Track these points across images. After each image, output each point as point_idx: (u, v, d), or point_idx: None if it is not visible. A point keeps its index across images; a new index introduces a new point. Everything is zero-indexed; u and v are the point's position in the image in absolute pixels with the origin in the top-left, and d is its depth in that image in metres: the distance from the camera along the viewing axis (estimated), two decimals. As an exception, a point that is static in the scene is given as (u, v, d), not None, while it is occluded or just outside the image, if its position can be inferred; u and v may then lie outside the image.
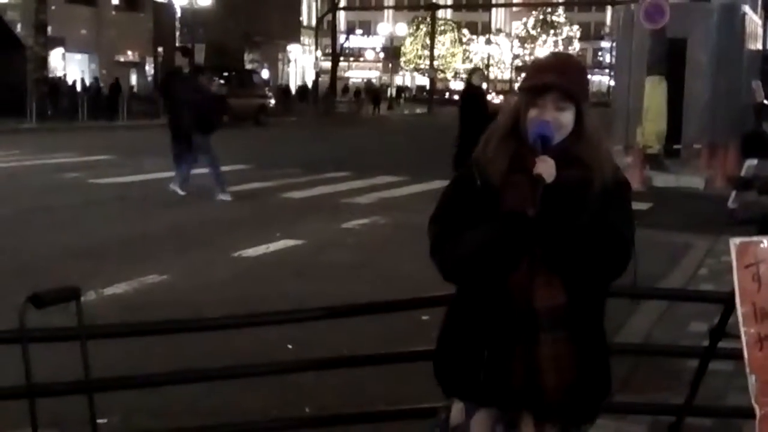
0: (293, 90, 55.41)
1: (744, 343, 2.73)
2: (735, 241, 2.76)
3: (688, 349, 4.55)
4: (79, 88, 35.80)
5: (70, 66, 39.48)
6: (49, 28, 32.64)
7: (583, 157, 2.50)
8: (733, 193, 9.44)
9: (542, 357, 2.46)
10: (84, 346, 2.94)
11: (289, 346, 5.68)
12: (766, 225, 5.54)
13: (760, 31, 25.91)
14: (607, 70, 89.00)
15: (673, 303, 6.37)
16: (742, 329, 2.75)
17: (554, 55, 2.77)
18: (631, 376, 5.06)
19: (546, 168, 2.40)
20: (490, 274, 2.47)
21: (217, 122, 14.20)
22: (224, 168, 16.89)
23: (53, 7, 33.55)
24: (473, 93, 14.53)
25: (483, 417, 2.53)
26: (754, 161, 8.32)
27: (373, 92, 58.09)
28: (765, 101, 7.66)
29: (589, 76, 2.70)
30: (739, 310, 2.74)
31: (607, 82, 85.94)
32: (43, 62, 32.59)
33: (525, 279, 2.46)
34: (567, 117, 2.50)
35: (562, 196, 2.43)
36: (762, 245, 2.78)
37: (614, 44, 34.01)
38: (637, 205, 10.81)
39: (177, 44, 44.23)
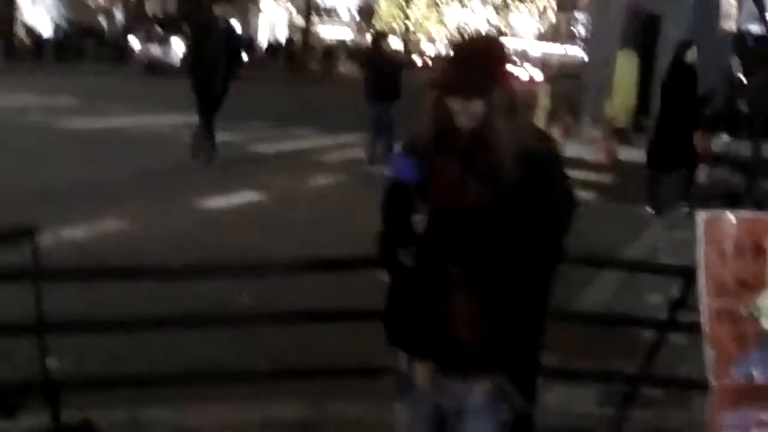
0: (264, 44, 54.79)
1: (704, 317, 2.74)
2: (702, 216, 2.75)
3: (644, 320, 4.57)
4: (48, 32, 35.16)
5: (38, 7, 38.69)
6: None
7: (492, 142, 2.54)
8: (704, 169, 9.52)
9: (457, 313, 2.59)
10: (38, 287, 2.88)
11: (247, 299, 5.63)
12: (732, 200, 5.57)
13: (734, 11, 25.98)
14: (581, 43, 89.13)
15: (631, 274, 6.40)
16: (704, 303, 2.75)
17: (460, 48, 2.74)
18: (587, 343, 5.07)
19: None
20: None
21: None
22: (191, 118, 16.73)
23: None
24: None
25: (421, 366, 2.68)
26: (726, 137, 8.37)
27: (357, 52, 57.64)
28: (741, 77, 7.70)
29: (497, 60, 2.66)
30: (702, 283, 2.74)
31: (580, 55, 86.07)
32: (12, 2, 31.92)
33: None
34: (476, 106, 2.54)
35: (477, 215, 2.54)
36: (729, 220, 2.77)
37: (589, 17, 33.98)
38: (602, 178, 10.88)
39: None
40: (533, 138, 2.63)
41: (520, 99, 2.69)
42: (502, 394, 2.66)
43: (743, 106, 6.72)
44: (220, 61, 11.99)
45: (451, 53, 2.68)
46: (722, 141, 8.59)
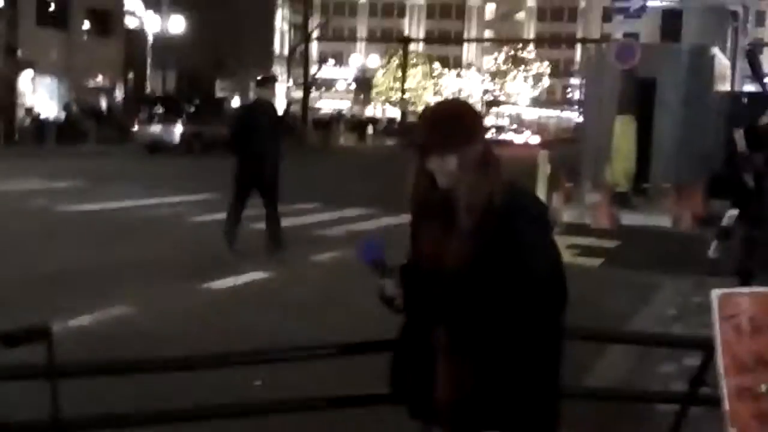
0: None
1: (724, 395, 2.72)
2: (717, 293, 2.76)
3: (664, 395, 4.53)
4: (49, 113, 35.53)
5: (39, 90, 39.19)
6: (19, 51, 32.44)
7: (460, 197, 2.64)
8: (714, 243, 9.50)
9: (440, 375, 2.71)
10: (54, 385, 2.87)
11: (258, 383, 5.60)
12: (746, 276, 5.56)
13: (728, 72, 26.31)
14: (576, 107, 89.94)
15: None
16: (723, 381, 2.74)
17: (427, 111, 2.85)
18: (603, 420, 5.03)
19: (389, 289, 2.75)
20: None
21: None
22: (194, 197, 16.81)
23: (23, 30, 33.35)
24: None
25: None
26: (735, 211, 8.34)
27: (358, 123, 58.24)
28: (746, 151, 7.68)
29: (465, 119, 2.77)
30: (720, 361, 2.73)
31: (575, 119, 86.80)
32: (12, 85, 32.34)
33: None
34: (450, 163, 2.65)
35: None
36: (744, 297, 2.78)
37: (584, 81, 34.40)
38: (605, 244, 10.88)
39: (148, 71, 44.15)
40: (509, 194, 2.66)
41: (499, 159, 2.74)
42: None
43: (749, 180, 6.75)
44: (271, 145, 11.24)
45: (424, 116, 2.80)
46: (730, 214, 8.58)
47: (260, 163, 11.10)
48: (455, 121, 2.69)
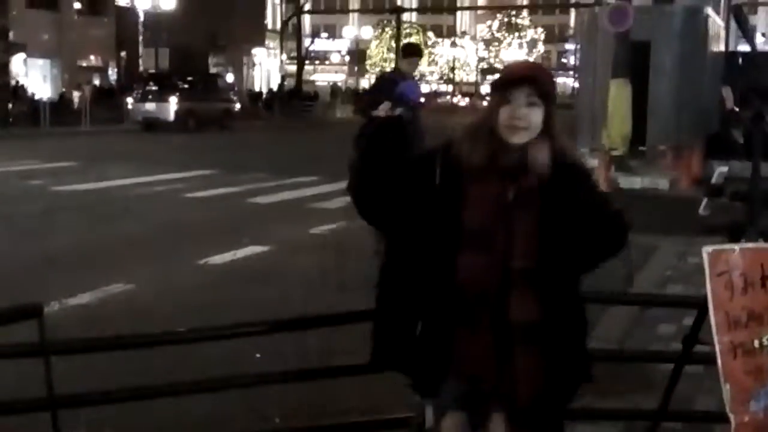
0: (262, 93, 55.07)
1: (718, 352, 2.72)
2: (707, 250, 2.75)
3: (660, 355, 4.54)
4: (42, 95, 35.38)
5: (32, 71, 39.02)
6: (11, 34, 32.26)
7: (551, 154, 2.60)
8: (705, 200, 9.48)
9: (517, 368, 2.57)
10: (47, 363, 2.87)
11: (257, 355, 5.61)
12: (736, 232, 5.55)
13: (722, 33, 26.18)
14: (571, 73, 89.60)
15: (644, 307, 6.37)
16: (716, 338, 2.73)
17: (526, 61, 2.95)
18: (602, 380, 5.03)
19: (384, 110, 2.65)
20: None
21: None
22: (190, 173, 16.79)
23: (14, 12, 33.17)
24: None
25: (453, 419, 2.62)
26: (725, 168, 8.32)
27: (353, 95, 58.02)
28: (735, 108, 7.64)
29: (553, 79, 2.80)
30: (713, 318, 2.73)
31: (571, 85, 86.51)
32: (5, 68, 32.19)
33: (499, 290, 2.55)
34: (537, 115, 2.58)
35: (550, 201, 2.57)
36: (734, 253, 2.77)
37: (578, 47, 34.22)
38: None
39: (140, 48, 43.93)
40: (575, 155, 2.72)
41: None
42: None
43: (738, 137, 6.72)
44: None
45: (513, 65, 2.81)
46: (720, 171, 8.56)
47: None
48: (552, 78, 2.72)
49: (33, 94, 35.84)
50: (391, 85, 8.88)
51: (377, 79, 10.03)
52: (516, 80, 2.59)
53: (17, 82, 36.06)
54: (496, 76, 2.79)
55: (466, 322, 2.56)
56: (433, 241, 2.58)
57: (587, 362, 2.76)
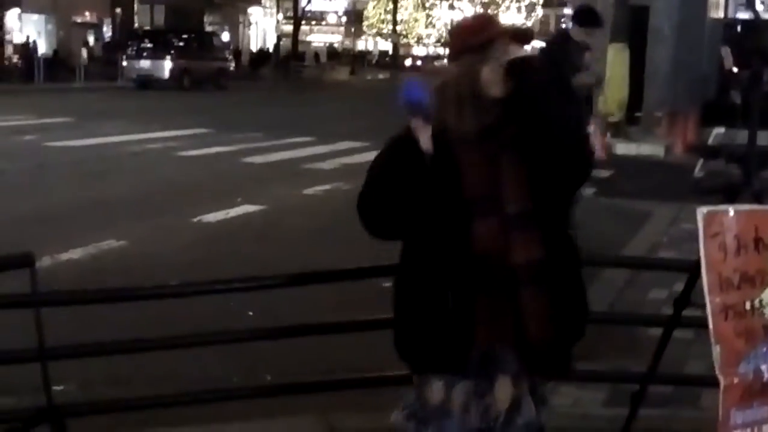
0: (254, 51, 54.75)
1: (709, 313, 2.72)
2: (702, 210, 2.73)
3: (650, 318, 4.55)
4: (39, 50, 35.13)
5: (26, 27, 38.69)
6: (5, -12, 32.00)
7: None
8: (700, 162, 9.46)
9: (527, 311, 2.52)
10: (38, 313, 2.86)
11: (250, 313, 5.62)
12: (731, 194, 5.55)
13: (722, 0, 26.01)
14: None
15: (634, 270, 6.38)
16: (707, 299, 2.73)
17: (481, 15, 2.95)
18: (592, 343, 5.05)
19: (424, 141, 2.45)
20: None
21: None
22: (184, 132, 16.72)
23: (8, -34, 32.85)
24: None
25: (464, 388, 2.55)
26: (721, 129, 8.29)
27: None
28: (734, 68, 7.61)
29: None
30: (705, 279, 2.71)
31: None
32: (0, 24, 31.93)
33: (500, 237, 2.51)
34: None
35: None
36: (728, 214, 2.75)
37: (577, 11, 33.88)
38: (598, 173, 10.71)
39: (135, 5, 43.57)
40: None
41: None
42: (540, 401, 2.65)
43: (736, 98, 6.69)
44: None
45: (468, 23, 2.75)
46: (717, 133, 8.54)
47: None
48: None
49: (35, 49, 35.54)
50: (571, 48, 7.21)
51: (550, 44, 7.83)
52: (497, 35, 2.55)
53: (29, 38, 35.73)
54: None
55: (488, 289, 2.51)
56: (443, 223, 2.51)
57: (586, 301, 2.75)
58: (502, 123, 2.55)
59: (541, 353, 2.55)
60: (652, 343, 3.64)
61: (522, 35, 2.61)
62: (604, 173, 13.82)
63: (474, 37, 2.56)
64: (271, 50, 55.28)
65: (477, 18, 2.84)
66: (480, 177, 2.52)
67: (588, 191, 11.87)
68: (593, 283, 6.36)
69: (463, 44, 2.59)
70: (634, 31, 18.61)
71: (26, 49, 33.60)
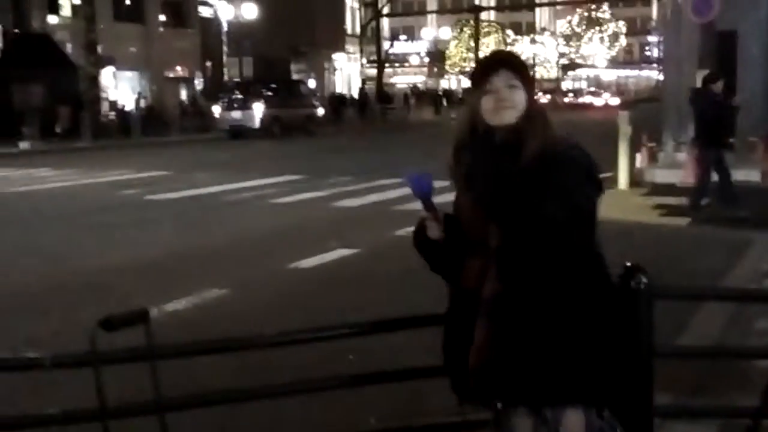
0: (345, 98, 55.42)
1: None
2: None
3: (758, 350, 4.45)
4: (131, 107, 36.36)
5: (121, 84, 40.10)
6: (99, 47, 33.21)
7: (531, 134, 2.60)
8: None
9: (474, 341, 2.69)
10: (153, 367, 2.97)
11: (351, 357, 5.68)
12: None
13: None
14: (654, 65, 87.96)
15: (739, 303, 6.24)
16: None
17: (495, 51, 2.92)
18: (700, 378, 4.97)
19: (432, 231, 2.81)
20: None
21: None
22: (277, 179, 17.03)
23: (102, 26, 34.13)
24: None
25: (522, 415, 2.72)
26: None
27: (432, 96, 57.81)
28: None
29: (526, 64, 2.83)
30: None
31: (655, 77, 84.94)
32: (95, 81, 33.15)
33: (478, 272, 2.70)
34: (519, 95, 2.63)
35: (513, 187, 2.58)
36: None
37: (661, 39, 33.54)
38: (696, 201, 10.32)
39: (224, 58, 44.74)
40: (562, 144, 2.65)
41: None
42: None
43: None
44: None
45: (484, 58, 2.83)
46: None
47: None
48: (520, 61, 2.75)
49: (123, 106, 36.85)
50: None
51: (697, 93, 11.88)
52: (493, 65, 2.66)
53: (107, 98, 37.13)
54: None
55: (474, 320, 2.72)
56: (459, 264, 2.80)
57: (559, 344, 2.59)
58: (489, 153, 2.65)
59: (475, 381, 2.66)
60: (762, 375, 3.58)
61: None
62: (703, 201, 13.58)
63: (474, 71, 2.75)
64: (353, 95, 55.87)
65: (485, 56, 2.91)
66: (472, 219, 2.71)
67: (683, 221, 11.70)
68: (696, 315, 6.26)
69: (471, 77, 2.76)
70: (724, 56, 18.30)
71: (121, 108, 34.85)
